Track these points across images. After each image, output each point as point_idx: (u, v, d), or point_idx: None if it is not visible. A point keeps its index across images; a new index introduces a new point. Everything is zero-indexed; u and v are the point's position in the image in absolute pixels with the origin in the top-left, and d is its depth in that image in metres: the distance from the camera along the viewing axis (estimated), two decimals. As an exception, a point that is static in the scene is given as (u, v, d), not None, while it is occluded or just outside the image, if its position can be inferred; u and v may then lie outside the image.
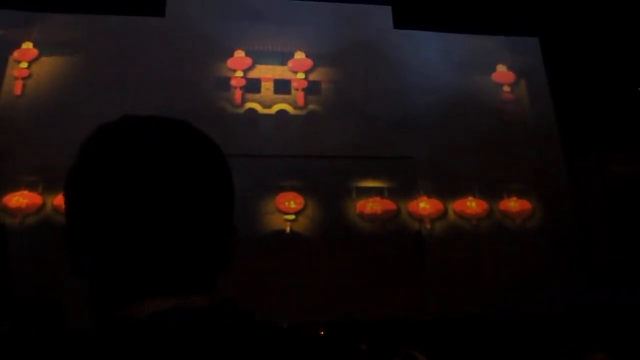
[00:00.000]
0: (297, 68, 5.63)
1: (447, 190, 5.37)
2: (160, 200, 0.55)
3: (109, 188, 0.55)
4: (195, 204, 0.57)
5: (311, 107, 5.52)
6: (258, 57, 5.59)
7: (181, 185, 0.57)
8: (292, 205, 5.04)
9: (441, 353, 3.83)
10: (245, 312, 0.57)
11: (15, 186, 4.72)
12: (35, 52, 5.25)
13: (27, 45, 5.26)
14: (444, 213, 5.31)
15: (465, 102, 5.70)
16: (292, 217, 5.02)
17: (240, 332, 0.54)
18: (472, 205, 5.35)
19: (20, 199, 4.69)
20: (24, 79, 5.14)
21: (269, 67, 5.60)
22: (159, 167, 0.56)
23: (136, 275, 0.55)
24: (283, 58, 5.65)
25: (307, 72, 5.63)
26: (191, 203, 0.57)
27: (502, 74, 6.06)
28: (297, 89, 5.54)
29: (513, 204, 5.42)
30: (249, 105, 5.42)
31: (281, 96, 5.50)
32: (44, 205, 4.71)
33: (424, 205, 5.27)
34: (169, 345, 0.50)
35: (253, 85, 5.49)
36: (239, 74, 5.50)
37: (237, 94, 5.42)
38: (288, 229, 4.98)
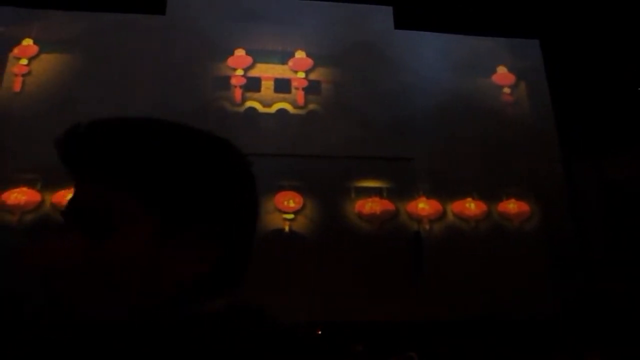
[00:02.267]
0: (298, 67, 5.63)
1: (446, 191, 5.37)
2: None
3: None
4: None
5: (311, 106, 5.52)
6: (258, 56, 5.59)
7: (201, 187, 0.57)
8: (291, 204, 5.04)
9: (438, 355, 3.83)
10: (258, 312, 0.57)
11: (13, 183, 4.71)
12: (35, 49, 5.25)
13: (27, 42, 5.26)
14: (443, 214, 5.31)
15: (465, 104, 5.71)
16: (291, 216, 5.02)
17: (255, 332, 0.54)
18: (470, 206, 5.35)
19: (19, 196, 4.68)
20: (23, 75, 5.13)
21: (270, 66, 5.60)
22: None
23: None
24: (283, 57, 5.65)
25: (307, 72, 5.63)
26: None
27: (503, 75, 6.05)
28: (297, 89, 5.54)
29: (511, 206, 5.42)
30: (249, 104, 5.41)
31: (281, 95, 5.49)
32: (42, 202, 4.70)
33: (423, 206, 5.27)
34: (187, 347, 0.49)
35: (253, 84, 5.49)
36: (240, 72, 5.49)
37: (238, 93, 5.42)
38: (287, 228, 4.97)
